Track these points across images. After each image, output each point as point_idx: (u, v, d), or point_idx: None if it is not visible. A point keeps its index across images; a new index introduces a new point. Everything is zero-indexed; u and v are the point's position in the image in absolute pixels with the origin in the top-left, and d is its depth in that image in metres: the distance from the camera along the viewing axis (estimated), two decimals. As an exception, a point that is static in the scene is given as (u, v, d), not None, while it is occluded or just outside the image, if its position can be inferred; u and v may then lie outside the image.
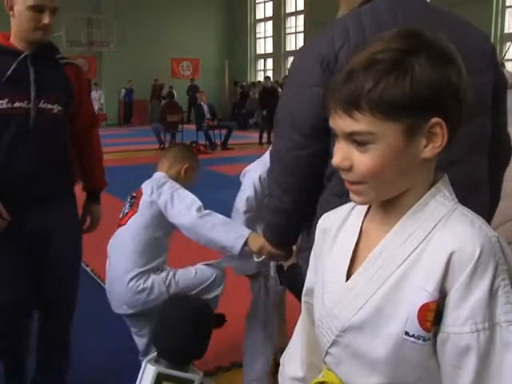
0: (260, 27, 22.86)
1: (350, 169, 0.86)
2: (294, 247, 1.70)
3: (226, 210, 2.34)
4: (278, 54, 21.31)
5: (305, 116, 1.35)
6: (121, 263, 2.27)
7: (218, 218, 2.09)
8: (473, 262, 0.79)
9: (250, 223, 2.27)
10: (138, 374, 1.27)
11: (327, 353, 0.94)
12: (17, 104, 2.02)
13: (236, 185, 2.47)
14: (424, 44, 0.83)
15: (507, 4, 14.33)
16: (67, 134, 2.22)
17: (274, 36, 21.74)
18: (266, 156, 2.33)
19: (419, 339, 0.83)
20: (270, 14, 22.10)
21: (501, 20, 14.37)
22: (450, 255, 0.81)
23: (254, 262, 1.97)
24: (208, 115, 12.95)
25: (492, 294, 0.79)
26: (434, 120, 0.82)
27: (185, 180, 2.39)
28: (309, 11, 19.12)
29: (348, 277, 0.92)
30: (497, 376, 0.79)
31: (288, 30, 21.22)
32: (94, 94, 17.70)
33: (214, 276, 2.34)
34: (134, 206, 2.31)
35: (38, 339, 2.33)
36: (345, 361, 0.92)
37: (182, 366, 1.28)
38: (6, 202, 2.02)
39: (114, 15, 19.57)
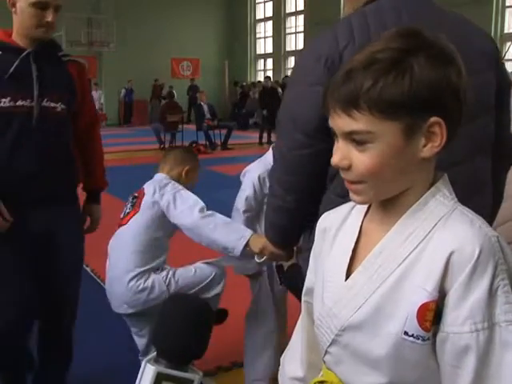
0: (260, 27, 22.85)
1: (349, 168, 0.86)
2: (295, 247, 1.70)
3: (226, 209, 2.34)
4: (278, 54, 21.30)
5: (307, 115, 1.34)
6: (121, 263, 2.28)
7: (220, 218, 2.10)
8: (472, 261, 0.79)
9: (249, 223, 2.27)
10: (137, 373, 1.28)
11: (327, 352, 0.94)
12: (19, 102, 1.99)
13: (236, 185, 2.47)
14: (424, 44, 0.83)
15: (507, 4, 14.33)
16: (70, 133, 2.19)
17: (273, 36, 21.72)
18: (266, 156, 2.34)
19: (418, 339, 0.83)
20: (270, 14, 22.08)
21: (501, 20, 14.36)
22: (450, 255, 0.81)
23: (255, 261, 1.97)
24: (208, 115, 12.94)
25: (491, 293, 0.79)
26: (433, 119, 0.82)
27: (186, 182, 2.39)
28: (309, 11, 19.12)
29: (348, 276, 0.92)
30: (496, 376, 0.79)
31: (288, 30, 21.20)
32: (94, 94, 17.64)
33: (213, 274, 2.34)
34: (135, 205, 2.31)
35: (38, 339, 2.33)
36: (344, 360, 0.92)
37: (181, 366, 1.28)
38: (8, 201, 2.00)
39: (114, 15, 19.58)
